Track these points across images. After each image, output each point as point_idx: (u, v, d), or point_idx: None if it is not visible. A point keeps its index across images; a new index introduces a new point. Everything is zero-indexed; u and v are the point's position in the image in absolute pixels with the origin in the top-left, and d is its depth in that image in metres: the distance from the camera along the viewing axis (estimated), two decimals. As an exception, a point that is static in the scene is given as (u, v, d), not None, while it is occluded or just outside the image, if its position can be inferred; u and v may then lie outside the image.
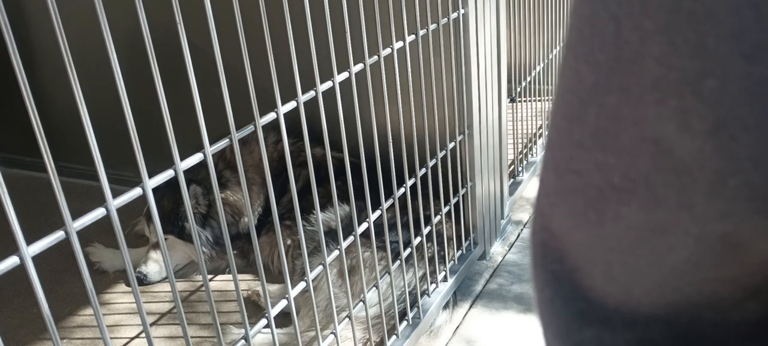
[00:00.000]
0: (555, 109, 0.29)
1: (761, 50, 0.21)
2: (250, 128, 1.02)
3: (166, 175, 0.89)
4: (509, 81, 2.06)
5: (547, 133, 0.30)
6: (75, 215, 0.76)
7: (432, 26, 1.52)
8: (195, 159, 0.94)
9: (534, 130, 2.49)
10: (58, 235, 0.74)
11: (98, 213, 0.78)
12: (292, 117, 1.12)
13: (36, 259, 0.72)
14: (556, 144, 0.29)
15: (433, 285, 1.74)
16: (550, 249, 0.30)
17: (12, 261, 0.70)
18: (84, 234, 0.76)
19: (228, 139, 0.98)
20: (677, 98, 0.23)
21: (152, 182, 0.85)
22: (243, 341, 1.09)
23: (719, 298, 0.27)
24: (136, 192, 0.84)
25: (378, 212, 1.44)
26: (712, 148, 0.23)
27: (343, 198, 1.42)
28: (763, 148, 0.22)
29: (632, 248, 0.27)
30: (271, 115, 1.07)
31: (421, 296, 1.69)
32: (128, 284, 2.06)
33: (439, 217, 1.71)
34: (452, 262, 1.82)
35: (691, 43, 0.23)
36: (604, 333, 0.29)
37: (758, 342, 0.27)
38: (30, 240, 0.71)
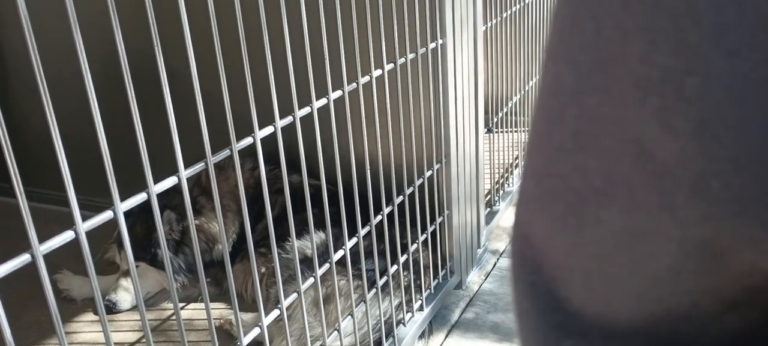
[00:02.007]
0: (535, 114, 0.28)
1: (744, 47, 0.21)
2: (226, 153, 1.01)
3: (138, 198, 0.88)
4: (486, 112, 2.08)
5: (527, 140, 0.30)
6: (43, 240, 0.73)
7: (410, 56, 1.54)
8: (169, 183, 0.92)
9: (510, 161, 2.52)
10: (23, 258, 0.71)
11: (66, 236, 0.76)
12: (268, 144, 1.11)
13: (1, 284, 0.69)
14: (536, 149, 0.28)
15: (409, 314, 1.72)
16: (527, 259, 0.30)
17: (-26, 285, 0.67)
18: (53, 260, 0.74)
19: (203, 164, 0.96)
20: (659, 97, 0.23)
21: (124, 206, 0.84)
22: (214, 371, 1.06)
23: (699, 310, 0.26)
24: (107, 215, 0.82)
25: (354, 240, 1.43)
26: (695, 148, 0.23)
27: (320, 225, 1.41)
28: (744, 149, 0.22)
29: (612, 254, 0.27)
30: (248, 140, 1.06)
31: (397, 325, 1.67)
32: (97, 313, 2.00)
33: (415, 245, 1.71)
34: (428, 291, 1.81)
35: (673, 41, 0.22)
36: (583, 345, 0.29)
37: None
38: (-6, 264, 0.69)
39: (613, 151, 0.25)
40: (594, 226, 0.26)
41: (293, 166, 1.25)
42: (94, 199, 1.74)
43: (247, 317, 1.82)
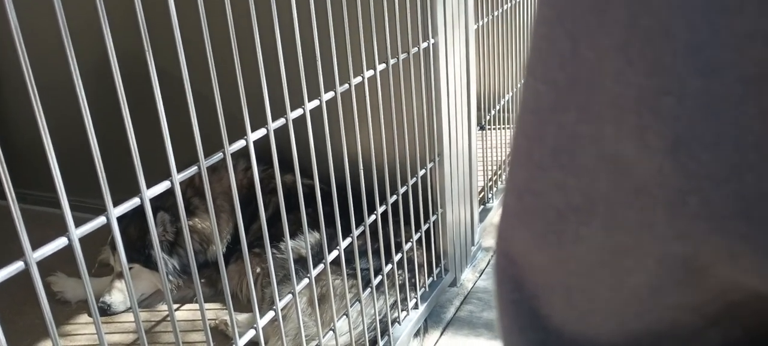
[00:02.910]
0: (516, 129, 0.29)
1: (718, 66, 0.21)
2: (218, 156, 1.01)
3: (131, 203, 0.88)
4: (479, 109, 2.09)
5: (509, 155, 0.30)
6: (37, 244, 0.73)
7: (402, 55, 1.54)
8: (162, 187, 0.93)
9: (503, 158, 2.53)
10: (17, 265, 0.71)
11: (60, 243, 0.76)
12: (262, 144, 1.11)
13: (-7, 290, 0.69)
14: (517, 164, 0.28)
15: (404, 313, 1.73)
16: (509, 276, 0.30)
17: (-33, 293, 0.67)
18: (46, 263, 0.74)
19: (196, 167, 0.97)
20: (635, 116, 0.23)
21: (117, 211, 0.84)
22: (209, 373, 1.06)
23: (680, 326, 0.26)
24: (100, 221, 0.82)
25: (349, 239, 1.44)
26: (671, 166, 0.23)
27: (314, 225, 1.41)
28: (720, 166, 0.22)
29: (592, 271, 0.27)
30: (241, 143, 1.06)
31: (392, 323, 1.68)
32: (91, 315, 1.99)
33: (409, 244, 1.71)
34: (423, 289, 1.81)
35: (648, 61, 0.22)
36: None
37: None
38: (-13, 271, 0.69)
39: (591, 169, 0.25)
40: (574, 243, 0.27)
41: (287, 166, 1.25)
42: (87, 200, 1.73)
43: (242, 317, 1.82)
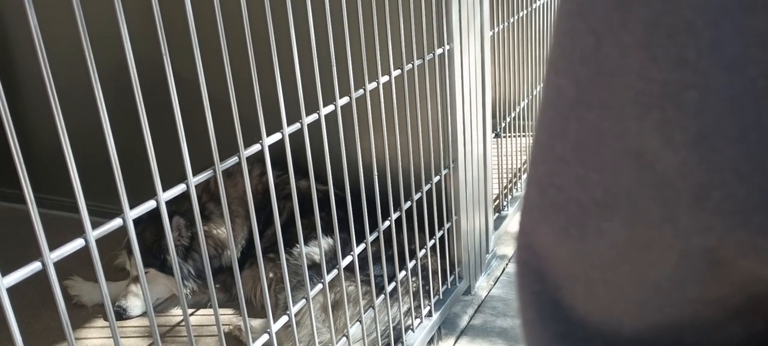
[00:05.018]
0: (538, 124, 0.29)
1: (741, 62, 0.22)
2: (234, 160, 1.02)
3: (147, 205, 0.88)
4: (494, 116, 2.08)
5: (531, 149, 0.30)
6: (54, 248, 0.74)
7: (418, 61, 1.54)
8: (178, 190, 0.93)
9: (518, 166, 2.51)
10: (34, 266, 0.72)
11: (77, 244, 0.77)
12: (277, 150, 1.11)
13: (12, 291, 0.70)
14: (539, 159, 0.29)
15: (418, 320, 1.72)
16: (531, 268, 0.30)
17: (-14, 292, 0.68)
18: (63, 267, 0.75)
19: (211, 171, 0.97)
20: (659, 111, 0.23)
21: (133, 213, 0.84)
22: (223, 377, 1.06)
23: (702, 320, 0.27)
24: (117, 223, 0.83)
25: (362, 245, 1.43)
26: (695, 160, 0.23)
27: (328, 231, 1.41)
28: (745, 160, 0.22)
29: (615, 264, 0.27)
30: (256, 147, 1.07)
31: (406, 331, 1.67)
32: (107, 319, 2.01)
33: (424, 251, 1.71)
34: (437, 296, 1.80)
35: (672, 57, 0.23)
36: None
37: None
38: (6, 272, 0.69)
39: (614, 164, 0.25)
40: (596, 237, 0.27)
41: (301, 171, 1.25)
42: (103, 205, 1.75)
43: (256, 323, 1.83)
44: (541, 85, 2.55)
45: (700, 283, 0.25)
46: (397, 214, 1.55)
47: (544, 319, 0.30)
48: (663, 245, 0.25)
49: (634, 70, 0.24)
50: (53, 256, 0.73)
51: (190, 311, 1.95)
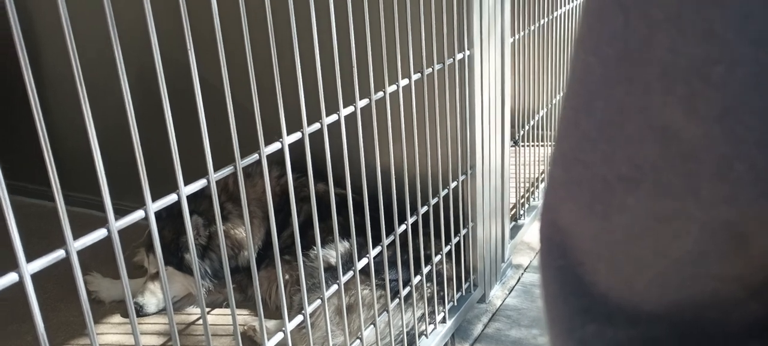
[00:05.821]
0: (565, 100, 0.29)
1: (767, 35, 0.22)
2: (254, 157, 1.03)
3: (169, 199, 0.89)
4: (512, 124, 2.08)
5: (557, 126, 0.30)
6: (74, 240, 0.75)
7: (438, 66, 1.54)
8: (198, 185, 0.94)
9: (536, 175, 2.50)
10: (58, 253, 0.73)
11: (99, 234, 0.78)
12: (295, 153, 1.12)
13: (34, 283, 0.71)
14: (564, 135, 0.29)
15: (432, 326, 1.72)
16: (555, 244, 0.30)
17: (11, 278, 0.69)
18: (83, 262, 0.76)
19: (232, 167, 0.98)
20: (685, 85, 0.24)
21: (155, 206, 0.85)
22: (238, 374, 1.07)
23: (722, 297, 0.27)
24: (139, 214, 0.84)
25: (378, 249, 1.44)
26: (719, 132, 0.23)
27: (344, 234, 1.41)
28: None
29: (638, 239, 0.27)
30: (276, 145, 1.08)
31: (419, 336, 1.66)
32: (124, 315, 2.03)
33: (439, 256, 1.70)
34: (451, 303, 1.79)
35: (699, 30, 0.23)
36: (607, 329, 0.29)
37: (761, 342, 0.27)
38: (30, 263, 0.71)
39: (638, 139, 0.26)
40: (620, 212, 0.27)
41: (319, 174, 1.26)
42: (122, 203, 1.77)
43: (271, 323, 1.83)
44: (561, 94, 2.54)
45: (721, 259, 0.26)
46: (414, 218, 1.55)
47: (566, 294, 0.30)
48: (685, 217, 0.25)
49: (663, 45, 0.24)
50: (77, 244, 0.74)
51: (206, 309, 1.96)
